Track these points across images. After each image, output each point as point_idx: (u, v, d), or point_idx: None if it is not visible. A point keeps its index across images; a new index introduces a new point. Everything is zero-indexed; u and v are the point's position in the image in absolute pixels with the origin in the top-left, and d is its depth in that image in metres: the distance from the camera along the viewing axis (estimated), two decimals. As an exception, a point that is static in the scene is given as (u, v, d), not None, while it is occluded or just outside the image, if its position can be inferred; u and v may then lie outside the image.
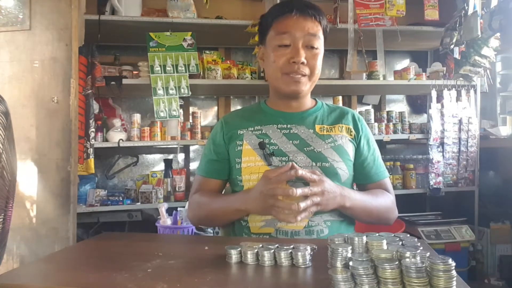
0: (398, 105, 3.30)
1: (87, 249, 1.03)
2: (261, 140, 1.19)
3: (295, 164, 1.06)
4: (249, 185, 1.18)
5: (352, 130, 1.26)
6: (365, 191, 1.26)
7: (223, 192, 1.34)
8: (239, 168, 1.20)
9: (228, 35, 2.71)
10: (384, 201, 1.21)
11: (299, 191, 1.00)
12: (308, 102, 1.30)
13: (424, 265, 0.63)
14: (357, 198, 1.13)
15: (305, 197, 1.02)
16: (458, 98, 2.71)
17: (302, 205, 1.00)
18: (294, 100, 1.26)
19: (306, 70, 1.18)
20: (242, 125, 1.25)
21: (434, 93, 2.68)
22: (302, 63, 1.17)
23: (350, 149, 1.23)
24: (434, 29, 2.69)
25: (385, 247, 0.77)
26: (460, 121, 2.72)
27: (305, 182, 1.15)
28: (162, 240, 1.22)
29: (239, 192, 1.19)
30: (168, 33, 2.42)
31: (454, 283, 0.62)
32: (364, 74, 2.71)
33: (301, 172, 1.04)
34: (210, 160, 1.29)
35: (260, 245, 0.85)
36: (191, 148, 2.95)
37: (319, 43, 1.20)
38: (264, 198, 1.04)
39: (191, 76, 2.42)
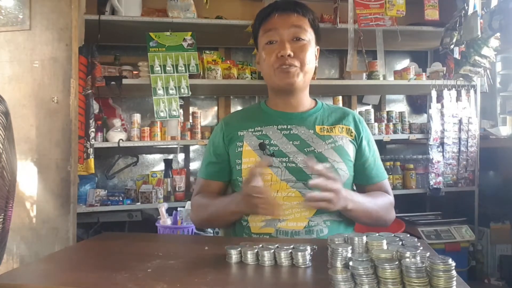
0: (398, 105, 3.30)
1: (87, 249, 1.03)
2: (261, 141, 1.20)
3: (314, 159, 1.06)
4: None
5: (353, 131, 1.26)
6: (365, 193, 1.27)
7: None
8: (239, 169, 1.20)
9: (228, 35, 2.70)
10: (383, 203, 1.22)
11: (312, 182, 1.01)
12: (307, 101, 1.30)
13: (424, 265, 0.63)
14: (358, 200, 1.13)
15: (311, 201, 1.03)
16: (458, 98, 2.71)
17: (309, 195, 1.01)
18: (292, 96, 1.26)
19: (296, 63, 1.19)
20: (242, 126, 1.26)
21: (434, 93, 2.68)
22: (289, 55, 1.17)
23: (350, 149, 1.23)
24: (434, 29, 2.69)
25: (385, 247, 0.77)
26: (460, 121, 2.72)
27: (305, 183, 1.15)
28: (162, 240, 1.22)
29: (233, 194, 1.20)
30: (168, 33, 2.42)
31: (454, 283, 0.62)
32: (364, 74, 2.71)
33: (318, 167, 1.03)
34: (210, 162, 1.29)
35: (260, 245, 0.85)
36: (191, 148, 2.95)
37: (307, 35, 1.21)
38: (247, 197, 1.05)
39: (191, 76, 2.42)
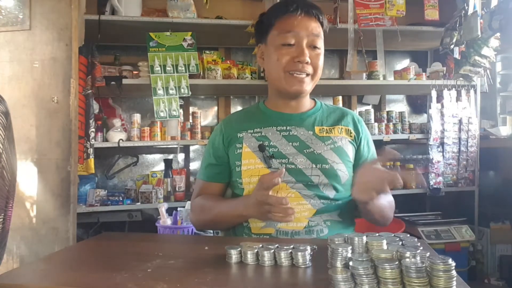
0: (398, 105, 3.30)
1: (87, 249, 1.03)
2: (261, 142, 1.19)
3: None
4: (250, 187, 1.18)
5: (352, 131, 1.25)
6: None
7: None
8: (239, 171, 1.20)
9: (228, 35, 2.71)
10: (390, 203, 1.22)
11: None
12: (307, 102, 1.30)
13: (424, 265, 0.63)
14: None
15: None
16: (458, 98, 2.71)
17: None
18: (294, 100, 1.26)
19: (310, 70, 1.19)
20: (242, 128, 1.25)
21: (434, 93, 2.68)
22: (307, 62, 1.17)
23: (350, 150, 1.23)
24: (434, 29, 2.69)
25: (385, 247, 0.77)
26: (460, 121, 2.72)
27: (305, 184, 1.16)
28: (162, 240, 1.22)
29: (241, 197, 1.19)
30: (168, 33, 2.42)
31: (454, 283, 0.62)
32: (364, 74, 2.71)
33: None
34: (210, 164, 1.28)
35: (260, 245, 0.85)
36: (191, 148, 2.95)
37: (321, 43, 1.21)
38: (259, 204, 1.04)
39: (191, 76, 2.42)
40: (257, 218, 1.13)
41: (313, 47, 1.19)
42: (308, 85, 1.21)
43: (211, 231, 1.75)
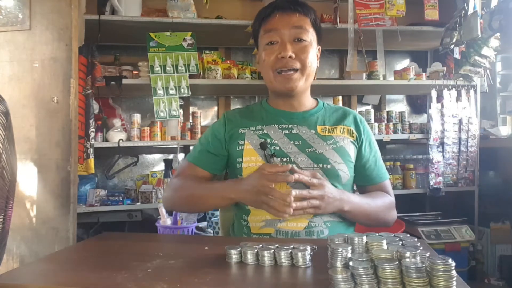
0: (398, 105, 3.30)
1: (87, 249, 1.03)
2: (263, 140, 1.19)
3: (296, 168, 1.06)
4: None
5: (354, 132, 1.25)
6: (364, 193, 1.26)
7: None
8: (240, 168, 1.20)
9: (228, 35, 2.70)
10: (382, 203, 1.21)
11: (294, 192, 1.01)
12: (309, 101, 1.30)
13: (424, 265, 0.63)
14: (355, 202, 1.14)
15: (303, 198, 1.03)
16: (458, 98, 2.71)
17: (295, 204, 1.01)
18: (293, 98, 1.25)
19: (297, 64, 1.18)
20: (244, 124, 1.25)
21: (434, 93, 2.68)
22: (290, 57, 1.17)
23: (351, 150, 1.22)
24: (434, 29, 2.69)
25: (385, 247, 0.77)
26: (460, 121, 2.72)
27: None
28: (162, 240, 1.22)
29: (229, 180, 1.19)
30: (168, 33, 2.42)
31: (454, 283, 0.62)
32: (364, 74, 2.70)
33: (298, 176, 1.03)
34: (206, 150, 1.27)
35: (260, 245, 0.85)
36: (191, 148, 2.94)
37: (308, 36, 1.20)
38: (258, 193, 1.04)
39: (191, 76, 2.42)
40: (249, 204, 1.13)
41: (297, 40, 1.19)
42: (299, 81, 1.20)
43: (211, 231, 1.75)
